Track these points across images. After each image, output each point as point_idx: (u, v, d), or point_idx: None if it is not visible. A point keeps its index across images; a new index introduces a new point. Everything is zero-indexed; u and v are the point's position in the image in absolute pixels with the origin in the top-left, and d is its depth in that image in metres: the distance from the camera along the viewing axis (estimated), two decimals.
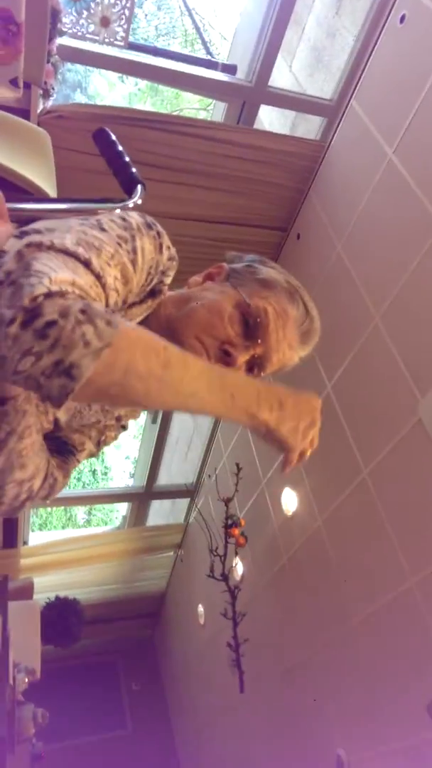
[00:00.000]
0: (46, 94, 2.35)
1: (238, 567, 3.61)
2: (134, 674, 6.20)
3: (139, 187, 0.90)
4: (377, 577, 2.36)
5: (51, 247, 0.59)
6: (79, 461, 0.86)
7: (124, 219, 0.70)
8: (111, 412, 0.87)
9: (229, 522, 3.34)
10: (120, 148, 0.95)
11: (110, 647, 6.18)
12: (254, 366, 0.80)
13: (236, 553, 3.50)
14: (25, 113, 2.23)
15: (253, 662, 3.44)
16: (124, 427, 0.93)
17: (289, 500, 3.09)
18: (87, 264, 0.61)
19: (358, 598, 2.49)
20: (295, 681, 3.06)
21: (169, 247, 0.74)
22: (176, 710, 5.71)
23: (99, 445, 0.90)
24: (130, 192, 0.90)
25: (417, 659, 2.12)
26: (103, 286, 0.62)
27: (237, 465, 3.45)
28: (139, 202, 0.87)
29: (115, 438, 0.92)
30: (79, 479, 10.78)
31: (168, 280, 0.77)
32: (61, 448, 0.85)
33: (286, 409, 0.66)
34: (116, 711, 5.94)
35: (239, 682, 3.46)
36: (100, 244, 0.64)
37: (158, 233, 0.72)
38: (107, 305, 0.63)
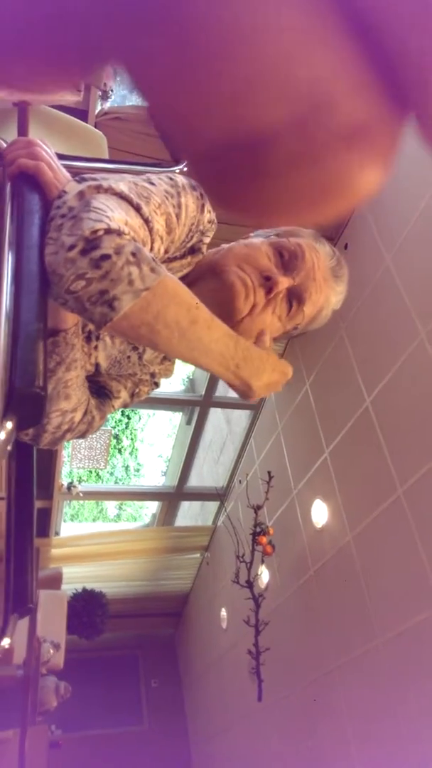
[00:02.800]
0: (105, 96, 2.41)
1: (264, 575, 3.59)
2: (154, 671, 6.25)
3: None
4: (406, 597, 2.30)
5: (108, 190, 0.66)
6: (114, 407, 0.91)
7: (170, 178, 0.77)
8: (147, 367, 0.92)
9: (258, 530, 3.32)
10: None
11: (132, 643, 6.25)
12: (294, 300, 0.83)
13: (262, 562, 3.48)
14: (83, 114, 2.29)
15: (273, 672, 3.41)
16: (156, 384, 0.97)
17: (320, 513, 3.06)
18: (138, 208, 0.67)
19: (385, 618, 2.43)
20: (314, 695, 3.01)
21: (210, 211, 0.80)
22: (193, 711, 5.72)
23: (133, 396, 0.94)
24: (178, 159, 0.93)
25: None
26: (150, 230, 0.67)
27: (269, 473, 3.43)
28: (185, 169, 0.90)
29: (148, 393, 0.97)
30: (112, 474, 10.95)
31: (207, 240, 0.83)
32: (100, 391, 0.90)
33: (267, 371, 0.70)
34: (134, 706, 6.00)
35: (258, 690, 3.43)
36: (149, 194, 0.70)
37: (201, 195, 0.78)
38: (151, 249, 0.68)
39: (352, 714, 2.66)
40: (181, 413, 4.87)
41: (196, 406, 4.19)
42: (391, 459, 2.48)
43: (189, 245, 0.79)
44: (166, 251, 0.73)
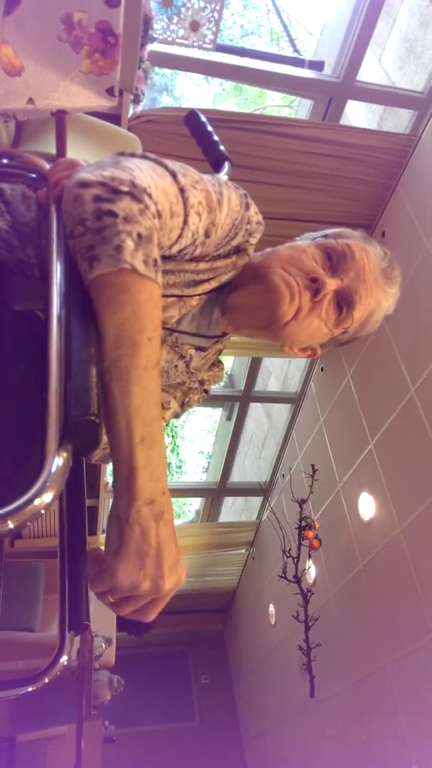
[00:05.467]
0: (137, 100, 2.44)
1: (311, 570, 3.57)
2: (204, 667, 6.30)
3: (226, 163, 0.93)
4: None
5: (144, 156, 0.63)
6: (165, 419, 0.89)
7: (212, 175, 0.74)
8: (195, 375, 0.89)
9: (303, 524, 3.30)
10: (209, 128, 0.99)
11: (181, 639, 6.32)
12: (343, 304, 0.78)
13: (309, 556, 3.46)
14: (116, 119, 2.32)
15: (325, 667, 3.39)
16: (206, 391, 0.94)
17: (367, 505, 3.02)
18: (174, 175, 0.62)
19: None
20: (367, 690, 2.98)
21: (257, 212, 0.76)
22: (244, 707, 5.73)
23: (183, 406, 0.92)
24: (217, 168, 0.93)
25: None
26: (185, 201, 0.62)
27: (312, 466, 3.40)
28: (226, 178, 0.90)
29: (199, 401, 0.94)
30: (168, 464, 11.09)
31: (253, 242, 0.79)
32: None
33: (154, 539, 0.51)
34: (185, 702, 6.07)
35: (310, 686, 3.42)
36: (186, 170, 0.66)
37: (245, 194, 0.75)
38: (186, 223, 0.63)
39: (407, 710, 2.61)
40: (220, 409, 4.89)
41: (236, 402, 4.20)
42: None
43: (234, 243, 0.75)
44: (207, 234, 0.68)
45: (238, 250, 0.77)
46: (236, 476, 5.12)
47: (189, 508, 8.74)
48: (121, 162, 0.58)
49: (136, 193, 0.54)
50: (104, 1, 0.95)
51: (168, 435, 10.85)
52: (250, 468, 5.71)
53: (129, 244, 0.51)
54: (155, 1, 2.27)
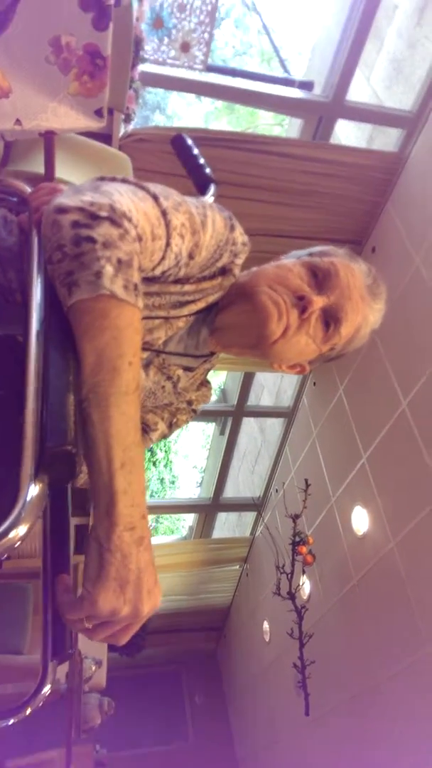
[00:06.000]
0: (128, 119, 2.46)
1: (305, 586, 3.54)
2: (197, 687, 6.20)
3: (211, 185, 0.94)
4: None
5: (125, 180, 0.63)
6: (152, 440, 0.89)
7: (196, 197, 0.74)
8: (183, 395, 0.89)
9: (297, 539, 3.28)
10: (195, 151, 1.00)
11: (174, 658, 6.22)
12: (330, 321, 0.79)
13: (303, 572, 3.44)
14: (107, 138, 2.34)
15: (320, 685, 3.35)
16: (194, 411, 0.94)
17: (360, 520, 3.00)
18: (155, 197, 0.62)
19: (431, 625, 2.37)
20: (363, 708, 2.94)
21: (242, 233, 0.76)
22: (238, 726, 5.64)
23: (171, 426, 0.91)
24: (203, 191, 0.93)
25: None
26: (167, 223, 0.62)
27: (306, 481, 3.39)
28: (211, 200, 0.90)
29: (187, 422, 0.93)
30: (147, 487, 11.00)
31: (239, 262, 0.79)
32: None
33: (133, 564, 0.50)
34: (179, 723, 5.96)
35: (305, 704, 3.37)
36: (168, 193, 0.66)
37: (230, 217, 0.75)
38: (168, 245, 0.63)
39: (403, 725, 2.58)
40: (214, 424, 4.88)
41: (229, 416, 4.19)
42: (431, 462, 2.42)
43: (219, 264, 0.76)
44: (191, 256, 0.68)
45: (224, 271, 0.78)
46: (230, 491, 5.10)
47: (183, 523, 8.69)
48: (101, 186, 0.58)
49: (115, 218, 0.53)
50: (92, 25, 0.96)
51: (161, 450, 10.79)
52: (243, 483, 5.68)
53: (108, 269, 0.51)
54: (146, 23, 2.31)
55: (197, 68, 2.43)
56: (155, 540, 9.65)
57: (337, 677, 3.21)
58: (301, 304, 0.75)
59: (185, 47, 2.39)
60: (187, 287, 0.73)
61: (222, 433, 4.54)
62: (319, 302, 0.76)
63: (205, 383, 0.92)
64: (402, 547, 2.63)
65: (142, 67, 2.35)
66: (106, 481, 0.49)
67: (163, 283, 0.70)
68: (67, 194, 0.56)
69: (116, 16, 2.10)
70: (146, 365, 0.79)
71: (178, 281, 0.72)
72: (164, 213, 0.62)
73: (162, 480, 11.28)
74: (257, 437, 5.44)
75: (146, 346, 0.75)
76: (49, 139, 1.26)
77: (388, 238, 2.83)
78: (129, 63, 2.21)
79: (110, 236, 0.52)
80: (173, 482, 11.65)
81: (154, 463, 11.00)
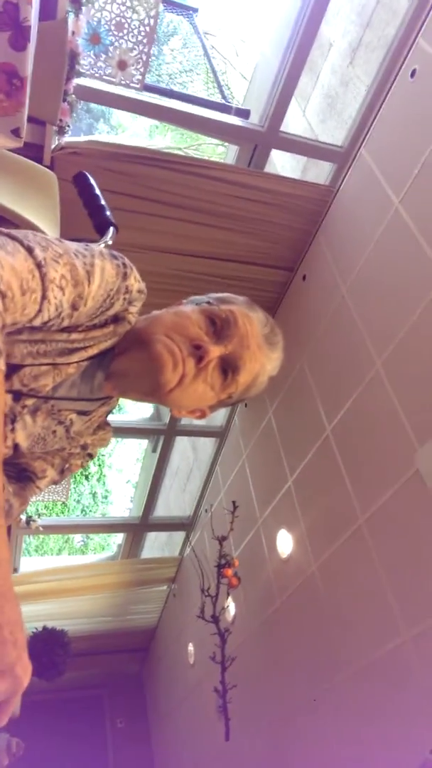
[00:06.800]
0: (61, 131, 2.41)
1: (230, 608, 3.52)
2: (120, 710, 6.02)
3: (111, 229, 0.92)
4: (371, 629, 2.29)
5: None
6: (39, 489, 0.84)
7: (86, 245, 0.71)
8: (76, 440, 0.86)
9: (223, 561, 3.27)
10: (97, 191, 0.98)
11: (96, 681, 6.02)
12: (228, 369, 0.79)
13: (228, 594, 3.42)
14: (38, 149, 2.28)
15: (241, 709, 3.33)
16: (90, 456, 0.91)
17: (285, 542, 3.03)
18: (30, 250, 0.60)
19: (350, 650, 2.41)
20: (281, 732, 2.94)
21: (138, 280, 0.75)
22: (160, 751, 5.52)
23: (62, 472, 0.88)
24: (102, 233, 0.92)
25: (408, 717, 2.03)
26: (43, 276, 0.60)
27: (233, 503, 3.40)
28: (110, 242, 0.88)
29: (81, 466, 0.90)
30: (78, 501, 10.70)
31: (134, 310, 0.77)
32: (20, 474, 0.83)
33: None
34: (99, 748, 5.75)
35: (225, 729, 3.34)
36: (48, 244, 0.64)
37: (124, 264, 0.73)
38: (45, 298, 0.61)
39: (322, 750, 2.60)
40: (147, 440, 4.81)
41: (161, 434, 4.15)
42: (352, 488, 2.48)
43: (111, 312, 0.74)
44: (74, 307, 0.66)
45: (117, 319, 0.76)
46: (161, 509, 5.03)
47: (114, 539, 8.49)
48: None
49: None
50: (9, 45, 0.92)
51: (95, 464, 10.54)
52: (174, 501, 5.63)
53: None
54: (83, 38, 2.27)
55: (134, 87, 2.42)
56: (84, 559, 9.37)
57: (258, 702, 3.21)
58: (198, 353, 0.75)
59: (122, 65, 2.37)
60: (75, 335, 0.71)
61: (154, 450, 4.49)
62: (216, 352, 0.76)
63: (103, 426, 0.89)
64: (322, 571, 2.67)
65: (78, 81, 2.31)
66: None
67: (47, 332, 0.68)
68: None
69: (51, 28, 2.06)
70: (33, 411, 0.75)
71: (64, 330, 0.69)
72: (39, 265, 0.60)
73: (94, 494, 11.01)
74: (190, 456, 5.41)
75: (32, 393, 0.72)
76: None
77: (318, 267, 2.91)
78: (63, 76, 2.16)
79: None
80: (106, 497, 11.39)
81: (87, 477, 10.72)
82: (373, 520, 2.34)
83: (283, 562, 3.04)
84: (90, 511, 10.65)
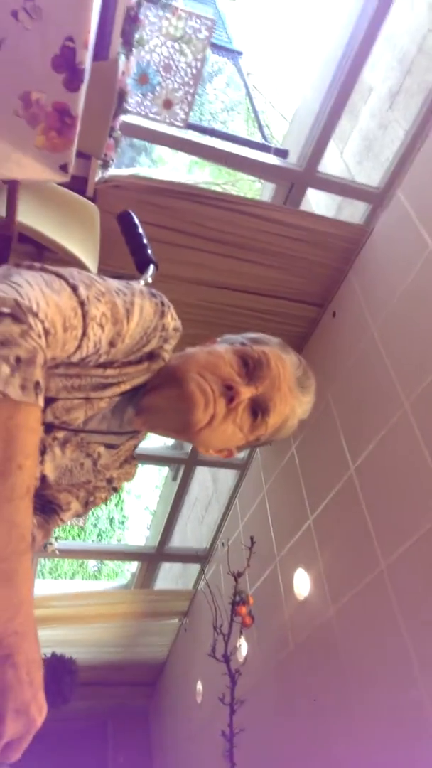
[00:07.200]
0: (106, 165, 2.50)
1: (242, 648, 3.43)
2: (123, 745, 5.85)
3: (151, 267, 0.94)
4: (386, 679, 2.19)
5: (42, 269, 0.61)
6: (63, 521, 0.84)
7: (127, 283, 0.73)
8: (102, 473, 0.86)
9: (237, 599, 3.20)
10: (140, 230, 1.00)
11: (102, 713, 5.88)
12: (258, 410, 0.78)
13: (241, 633, 3.33)
14: (83, 182, 2.36)
15: (248, 756, 3.20)
16: (115, 489, 0.90)
17: (302, 583, 2.96)
18: (74, 288, 0.61)
19: (364, 700, 2.31)
20: None
21: (175, 318, 0.76)
22: None
23: (87, 505, 0.88)
24: (142, 270, 0.94)
25: None
26: (84, 314, 0.61)
27: (251, 538, 3.34)
28: (150, 280, 0.90)
29: (105, 500, 0.90)
30: (95, 525, 10.67)
31: (168, 347, 0.78)
32: (45, 506, 0.83)
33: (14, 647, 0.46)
34: None
35: None
36: (92, 282, 0.65)
37: (162, 302, 0.74)
38: (85, 335, 0.62)
39: None
40: (168, 468, 4.80)
41: (182, 464, 4.13)
42: (374, 530, 2.42)
43: (147, 350, 0.75)
44: (112, 344, 0.67)
45: (152, 356, 0.77)
46: (177, 540, 4.97)
47: (128, 567, 8.42)
48: (11, 276, 0.56)
49: (18, 314, 0.51)
50: (64, 85, 0.97)
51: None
52: (191, 532, 5.56)
53: (4, 369, 0.49)
54: (132, 78, 2.38)
55: (178, 125, 2.50)
56: (97, 585, 9.29)
57: (266, 749, 3.08)
58: (230, 393, 0.75)
59: (168, 104, 2.46)
60: (110, 371, 0.72)
61: (174, 478, 4.47)
62: (247, 393, 0.76)
63: (129, 460, 0.89)
64: (340, 616, 2.59)
65: (124, 118, 2.40)
66: None
67: (83, 367, 0.69)
68: None
69: (103, 67, 2.16)
70: (63, 443, 0.76)
71: (100, 365, 0.70)
72: (82, 304, 0.61)
73: (112, 520, 10.97)
74: (209, 486, 5.37)
75: (64, 426, 0.73)
76: (12, 186, 1.26)
77: (349, 305, 2.91)
78: (111, 113, 2.25)
79: (10, 334, 0.50)
80: (123, 522, 11.33)
81: (105, 502, 10.71)
82: (395, 567, 2.27)
83: (300, 603, 2.96)
84: (106, 536, 10.60)
